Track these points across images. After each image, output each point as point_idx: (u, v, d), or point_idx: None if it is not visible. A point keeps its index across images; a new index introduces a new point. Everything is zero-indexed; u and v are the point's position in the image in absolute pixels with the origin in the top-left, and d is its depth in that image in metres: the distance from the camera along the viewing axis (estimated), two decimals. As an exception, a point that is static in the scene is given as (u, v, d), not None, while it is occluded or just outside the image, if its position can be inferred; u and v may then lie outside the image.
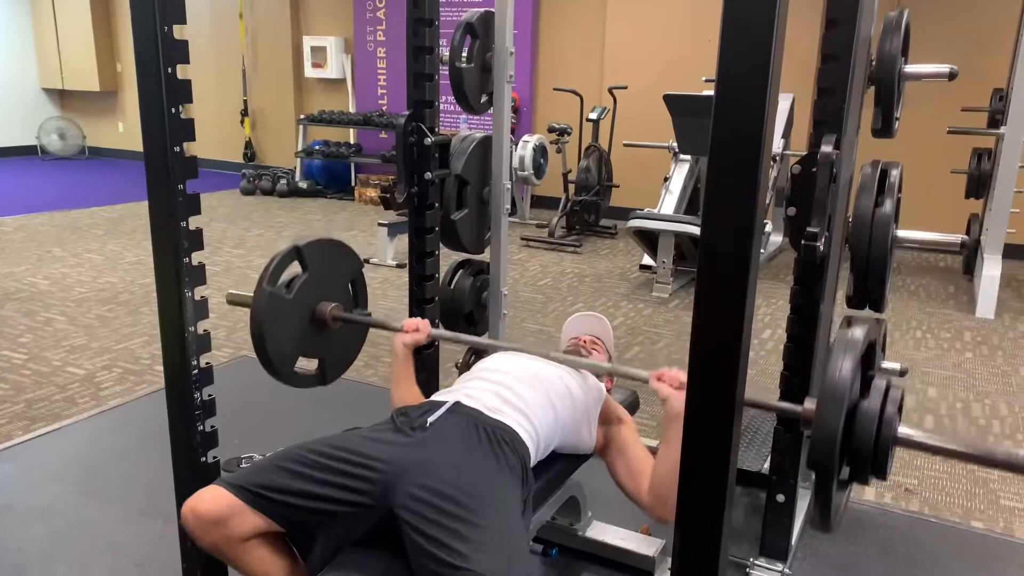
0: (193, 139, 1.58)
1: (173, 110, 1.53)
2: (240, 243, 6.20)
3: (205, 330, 1.73)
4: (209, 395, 1.77)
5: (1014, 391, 3.55)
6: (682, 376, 1.74)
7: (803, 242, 1.82)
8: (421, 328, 2.11)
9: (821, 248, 1.83)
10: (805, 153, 1.89)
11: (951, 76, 2.13)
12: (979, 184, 5.27)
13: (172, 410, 1.75)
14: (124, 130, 10.68)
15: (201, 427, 1.76)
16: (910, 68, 2.11)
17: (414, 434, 1.61)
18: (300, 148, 8.72)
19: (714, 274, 1.17)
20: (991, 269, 4.76)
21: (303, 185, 8.55)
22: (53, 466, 2.72)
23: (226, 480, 1.56)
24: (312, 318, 2.06)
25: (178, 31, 1.50)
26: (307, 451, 1.59)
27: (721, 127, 1.14)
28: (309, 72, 8.92)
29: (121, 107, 10.60)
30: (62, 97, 10.91)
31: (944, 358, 3.95)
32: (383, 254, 5.61)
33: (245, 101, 9.27)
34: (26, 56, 10.50)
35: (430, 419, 1.65)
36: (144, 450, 2.80)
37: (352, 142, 8.73)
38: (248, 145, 9.43)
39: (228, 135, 9.37)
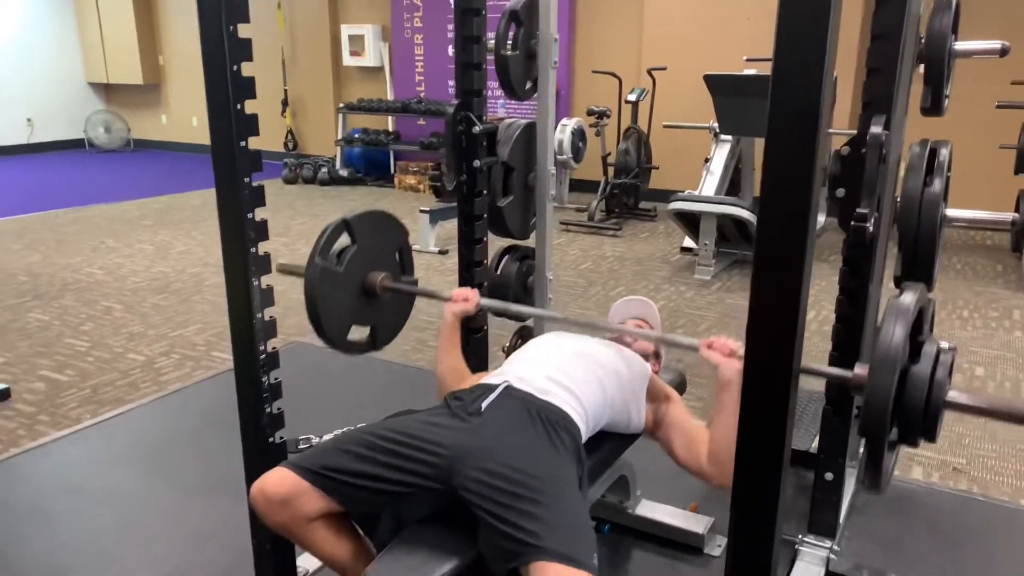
0: (257, 134, 1.65)
1: (238, 106, 1.59)
2: (285, 231, 6.32)
3: (271, 316, 1.81)
4: (276, 379, 1.84)
5: (1066, 369, 3.51)
6: (732, 344, 1.80)
7: (853, 223, 1.84)
8: (471, 298, 2.19)
9: (871, 229, 1.85)
10: (847, 132, 1.90)
11: (1003, 52, 2.12)
12: (1029, 159, 5.17)
13: (242, 393, 1.83)
14: (167, 122, 10.89)
15: (269, 409, 1.83)
16: (960, 45, 2.09)
17: (470, 419, 1.66)
18: (340, 136, 8.82)
19: (772, 249, 1.20)
20: (1041, 246, 4.68)
21: (344, 173, 8.66)
22: (119, 449, 2.84)
23: (292, 462, 1.63)
24: (362, 288, 2.14)
25: (243, 30, 1.56)
26: (370, 435, 1.65)
27: (778, 106, 1.16)
28: (347, 60, 9.01)
29: (164, 99, 10.82)
30: (107, 91, 11.16)
31: (992, 337, 3.91)
32: (425, 240, 5.68)
33: (285, 91, 9.39)
34: (71, 52, 10.76)
35: (484, 404, 1.69)
36: (205, 432, 2.91)
37: (391, 129, 8.82)
38: (289, 134, 9.56)
39: (269, 125, 9.50)
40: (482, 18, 2.37)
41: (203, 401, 3.21)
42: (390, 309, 2.27)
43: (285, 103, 9.43)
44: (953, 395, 1.35)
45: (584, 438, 1.76)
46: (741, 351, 1.73)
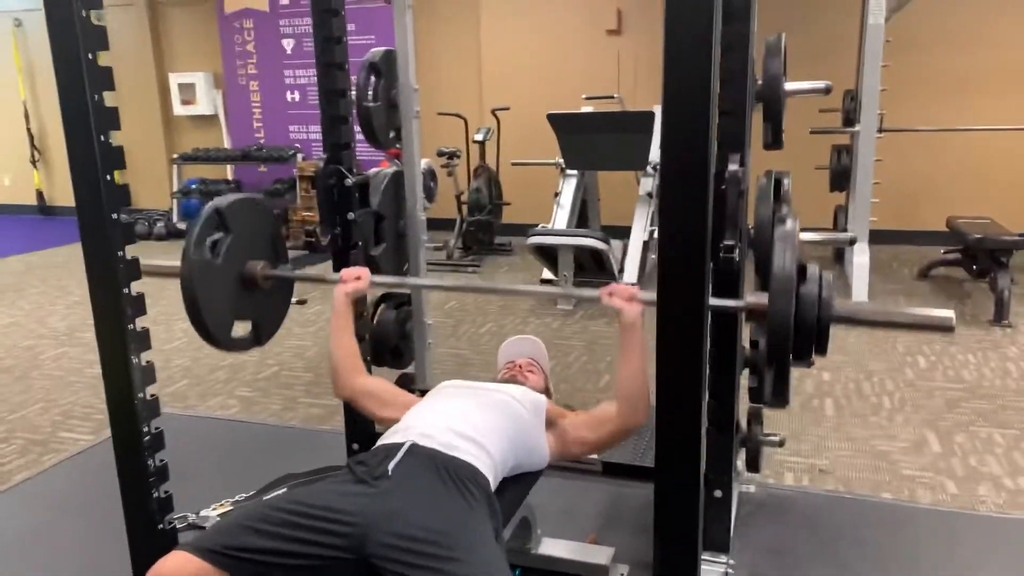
0: (129, 204, 1.56)
1: (108, 177, 1.50)
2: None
3: (153, 395, 1.70)
4: (162, 460, 1.73)
5: (896, 367, 3.88)
6: (631, 289, 1.90)
7: (722, 255, 1.97)
8: (362, 276, 2.12)
9: (737, 259, 1.99)
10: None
11: (827, 91, 2.35)
12: (841, 178, 5.72)
13: (124, 478, 1.70)
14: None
15: (156, 493, 1.72)
16: (791, 85, 2.29)
17: (377, 483, 1.63)
18: (176, 189, 8.42)
19: (674, 272, 1.27)
20: (860, 256, 5.14)
21: (182, 226, 8.24)
22: (-34, 553, 2.55)
23: (191, 544, 1.54)
24: (241, 279, 2.05)
25: (108, 98, 1.48)
26: (272, 509, 1.59)
27: (670, 143, 1.25)
28: (178, 110, 8.64)
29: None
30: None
31: (831, 342, 4.25)
32: (281, 291, 5.50)
33: (110, 143, 8.85)
34: None
35: (390, 466, 1.66)
36: (66, 523, 2.66)
37: (230, 178, 8.51)
38: (118, 189, 9.01)
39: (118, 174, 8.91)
40: (345, 72, 2.37)
41: (58, 489, 2.93)
42: (270, 300, 2.21)
43: (111, 156, 8.89)
44: (839, 310, 1.49)
45: (494, 487, 1.76)
46: (640, 295, 1.85)
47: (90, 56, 1.45)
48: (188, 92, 8.53)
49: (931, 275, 5.57)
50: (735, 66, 2.04)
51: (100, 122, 1.47)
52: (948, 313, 1.53)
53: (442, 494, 1.62)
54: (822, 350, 1.54)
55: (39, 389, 3.98)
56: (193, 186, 8.36)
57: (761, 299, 1.53)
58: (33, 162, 9.40)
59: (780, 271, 1.43)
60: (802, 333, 1.47)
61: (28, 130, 9.28)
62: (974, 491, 2.73)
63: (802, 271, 1.52)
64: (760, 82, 2.24)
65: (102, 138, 1.48)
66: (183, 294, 1.88)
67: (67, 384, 4.04)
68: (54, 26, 1.44)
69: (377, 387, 2.10)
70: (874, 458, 2.96)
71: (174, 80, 8.58)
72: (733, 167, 2.00)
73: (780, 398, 1.57)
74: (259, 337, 2.19)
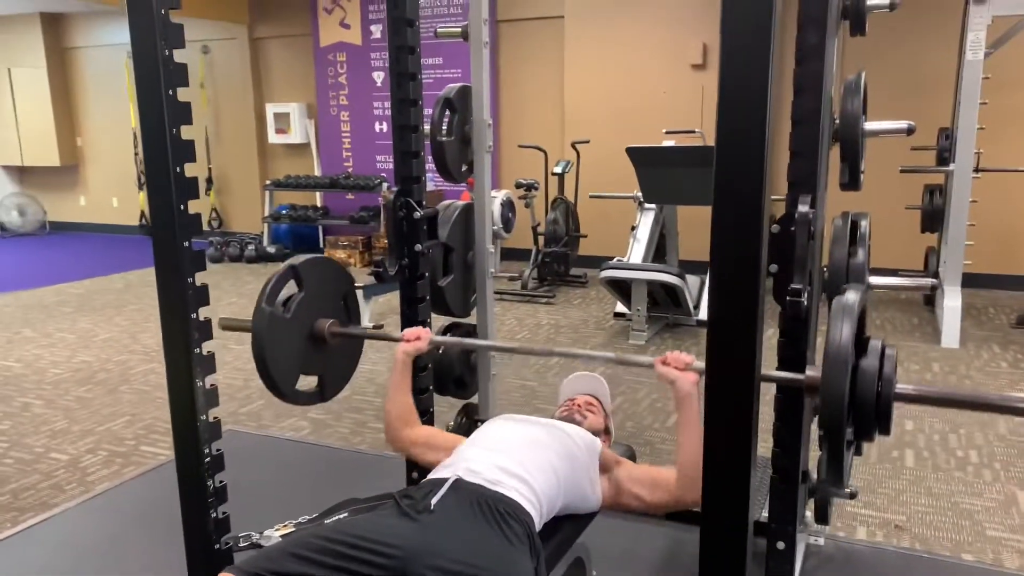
0: (201, 233, 1.63)
1: (182, 207, 1.58)
2: (211, 312, 6.15)
3: (216, 417, 1.76)
4: (221, 481, 1.78)
5: (986, 420, 3.66)
6: (686, 357, 1.86)
7: (789, 298, 1.91)
8: (422, 336, 2.22)
9: (805, 303, 1.92)
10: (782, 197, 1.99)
11: (909, 131, 2.26)
12: (933, 218, 5.49)
13: (185, 498, 1.76)
14: (86, 203, 10.61)
15: (214, 514, 1.77)
16: (870, 125, 2.22)
17: (420, 517, 1.64)
18: (267, 213, 8.74)
19: (728, 266, 1.24)
20: (952, 300, 4.93)
21: (271, 250, 8.55)
22: (46, 558, 2.67)
23: (240, 567, 1.57)
24: (311, 335, 2.11)
25: (185, 132, 1.56)
26: (318, 537, 1.61)
27: (723, 174, 1.23)
28: (273, 138, 9.00)
29: (83, 181, 10.55)
30: (21, 173, 10.83)
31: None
32: (360, 317, 5.61)
33: (209, 169, 9.29)
34: (-17, 135, 10.45)
35: (433, 500, 1.68)
36: (138, 535, 2.77)
37: (319, 205, 8.80)
38: (214, 212, 9.43)
39: (192, 204, 9.35)
40: (419, 108, 2.42)
41: (134, 500, 3.06)
42: (338, 357, 2.27)
43: (209, 181, 9.32)
44: (902, 387, 1.41)
45: (538, 526, 1.74)
46: (695, 363, 1.79)
47: (170, 92, 1.53)
48: (283, 121, 8.89)
49: (1031, 323, 5.27)
50: (808, 105, 1.99)
51: (176, 154, 1.55)
52: None
53: (483, 529, 1.62)
54: (885, 430, 1.45)
55: (127, 403, 4.17)
56: (283, 211, 8.67)
57: (818, 373, 1.47)
58: (139, 185, 9.94)
59: (835, 345, 1.37)
60: (860, 412, 1.40)
61: (136, 155, 9.83)
62: (1067, 558, 2.55)
63: (862, 344, 1.45)
64: (838, 121, 2.19)
65: (177, 169, 1.56)
66: (252, 345, 1.95)
67: (152, 399, 4.22)
68: (139, 63, 1.53)
69: (427, 435, 2.16)
70: (956, 516, 2.79)
71: (270, 110, 8.96)
72: (803, 208, 1.95)
73: (835, 478, 1.49)
74: (323, 392, 2.24)
